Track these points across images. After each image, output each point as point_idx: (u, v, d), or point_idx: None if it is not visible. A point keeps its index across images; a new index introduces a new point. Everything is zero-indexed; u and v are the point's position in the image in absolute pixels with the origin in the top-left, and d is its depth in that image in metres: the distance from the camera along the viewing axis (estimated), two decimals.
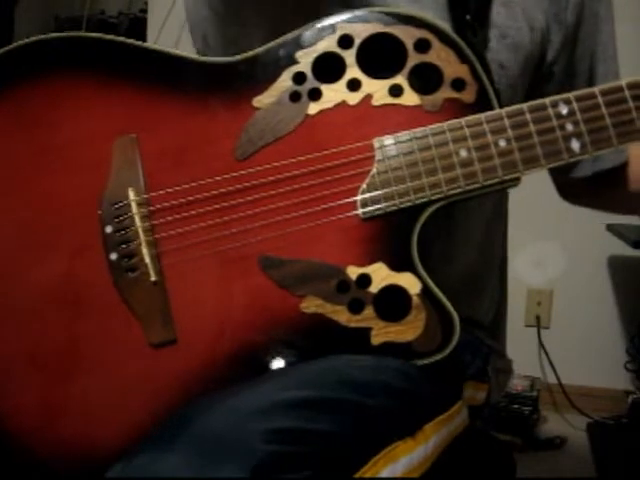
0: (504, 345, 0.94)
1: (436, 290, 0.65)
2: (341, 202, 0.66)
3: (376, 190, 0.66)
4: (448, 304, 0.64)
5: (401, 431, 0.63)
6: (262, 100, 0.67)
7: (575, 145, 0.66)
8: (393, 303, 0.64)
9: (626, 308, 2.32)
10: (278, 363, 0.64)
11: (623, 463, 1.93)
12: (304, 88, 0.67)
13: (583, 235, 2.24)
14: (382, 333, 0.64)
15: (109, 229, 0.67)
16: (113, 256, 0.66)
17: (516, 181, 0.67)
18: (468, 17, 0.69)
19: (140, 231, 0.66)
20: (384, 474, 0.59)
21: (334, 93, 0.67)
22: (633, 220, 1.98)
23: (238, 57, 0.68)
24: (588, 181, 0.89)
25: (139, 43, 0.69)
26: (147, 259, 0.66)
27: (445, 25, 0.68)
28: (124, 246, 0.66)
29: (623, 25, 2.07)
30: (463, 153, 0.65)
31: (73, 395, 0.65)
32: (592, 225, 2.15)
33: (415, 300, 0.64)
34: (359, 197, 0.66)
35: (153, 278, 0.66)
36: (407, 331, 0.64)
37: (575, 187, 0.93)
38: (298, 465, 0.53)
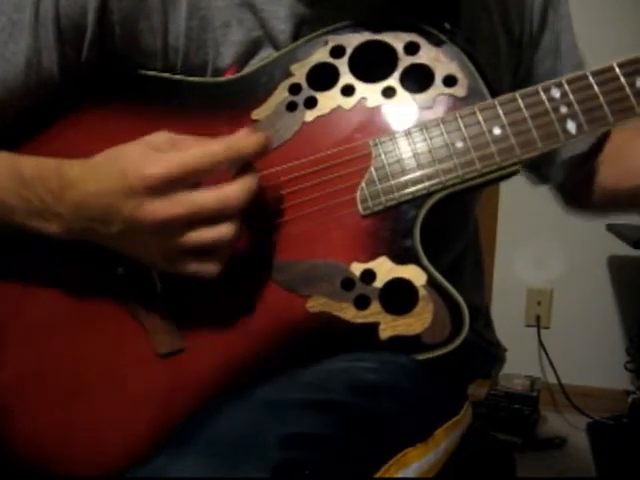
0: (494, 332, 0.93)
1: (442, 280, 0.64)
2: (340, 200, 0.66)
3: (374, 185, 0.66)
4: (455, 293, 0.64)
5: (412, 437, 0.62)
6: (260, 113, 0.69)
7: (571, 126, 0.66)
8: (399, 296, 0.64)
9: (626, 308, 2.32)
10: (286, 365, 0.63)
11: (623, 463, 1.93)
12: (300, 98, 0.68)
13: (583, 235, 2.24)
14: (390, 327, 0.63)
15: None
16: (120, 270, 0.66)
17: (516, 167, 0.66)
18: (447, 25, 0.69)
19: None
20: None
21: (329, 100, 0.68)
22: (633, 220, 1.98)
23: (237, 75, 0.70)
24: (573, 187, 0.89)
25: (145, 72, 0.71)
26: (153, 271, 0.66)
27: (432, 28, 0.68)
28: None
29: (623, 25, 2.08)
30: (459, 144, 0.65)
31: (85, 412, 0.65)
32: (592, 225, 2.15)
33: (421, 291, 0.64)
34: (358, 193, 0.66)
35: (159, 288, 0.66)
36: (415, 323, 0.63)
37: (567, 192, 0.93)
38: (312, 471, 0.53)
